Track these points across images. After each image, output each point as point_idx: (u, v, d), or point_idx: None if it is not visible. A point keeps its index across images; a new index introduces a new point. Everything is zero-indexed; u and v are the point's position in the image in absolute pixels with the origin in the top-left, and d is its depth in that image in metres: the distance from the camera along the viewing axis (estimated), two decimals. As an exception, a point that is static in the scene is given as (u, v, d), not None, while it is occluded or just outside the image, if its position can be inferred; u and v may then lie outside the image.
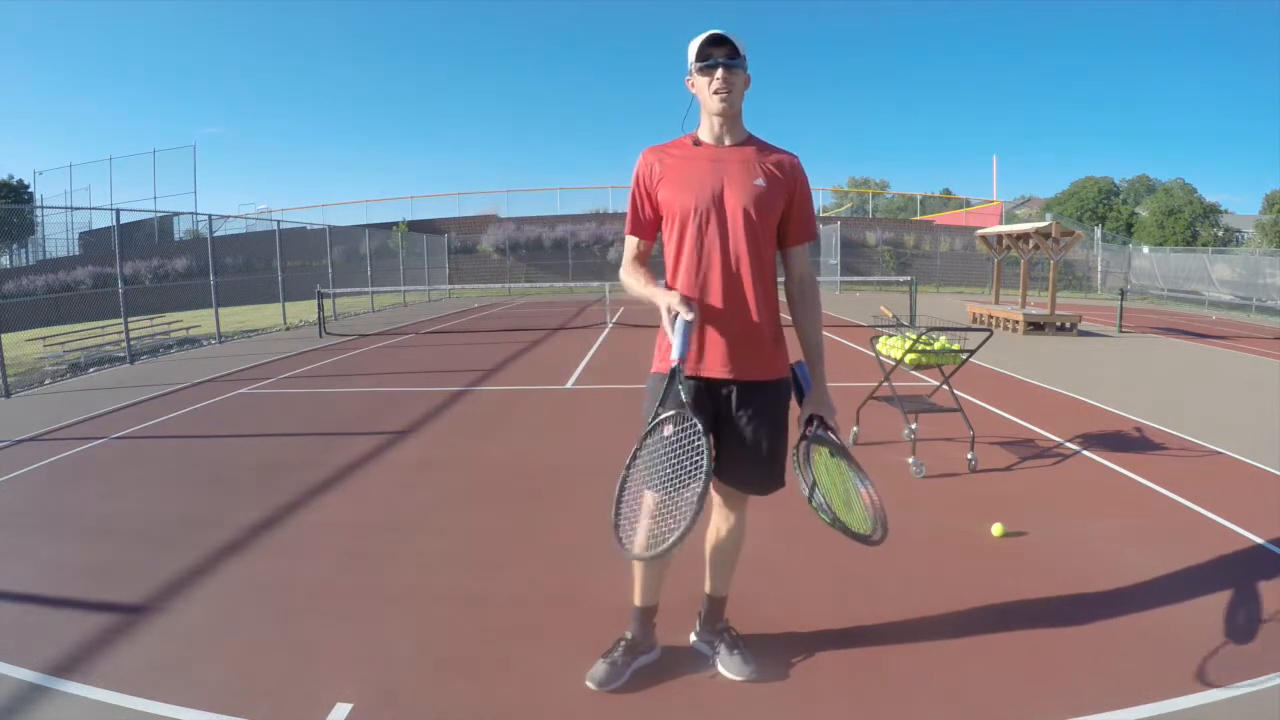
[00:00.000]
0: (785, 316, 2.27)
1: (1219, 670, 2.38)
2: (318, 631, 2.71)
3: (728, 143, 2.19)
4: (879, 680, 2.37)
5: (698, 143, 2.20)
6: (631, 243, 2.28)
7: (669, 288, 2.18)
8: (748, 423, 2.19)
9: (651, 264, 2.31)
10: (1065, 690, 2.30)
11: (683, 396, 1.98)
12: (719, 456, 2.25)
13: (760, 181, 2.13)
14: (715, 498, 2.39)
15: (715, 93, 2.10)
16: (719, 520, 2.41)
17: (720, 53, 2.09)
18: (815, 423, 2.18)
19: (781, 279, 2.32)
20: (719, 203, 2.13)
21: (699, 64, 2.11)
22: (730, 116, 2.15)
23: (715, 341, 2.15)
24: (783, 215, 2.20)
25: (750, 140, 2.22)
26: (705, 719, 2.23)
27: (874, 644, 2.58)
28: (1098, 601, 2.86)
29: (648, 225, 2.25)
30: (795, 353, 2.32)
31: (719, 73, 2.09)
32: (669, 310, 2.04)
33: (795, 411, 2.28)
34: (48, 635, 2.70)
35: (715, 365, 2.16)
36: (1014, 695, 2.28)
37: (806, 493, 1.98)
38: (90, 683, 2.39)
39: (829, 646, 2.56)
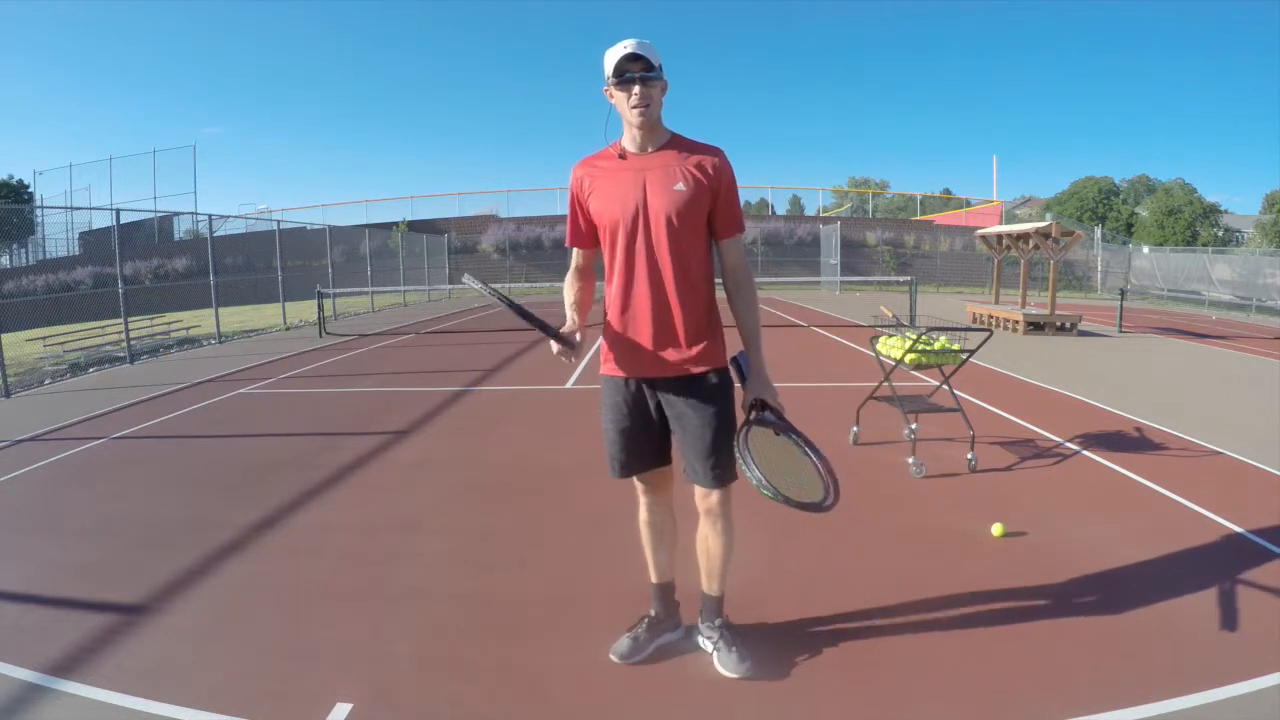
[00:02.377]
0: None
1: (1219, 670, 2.38)
2: (318, 631, 2.71)
3: (650, 150, 2.27)
4: (878, 680, 2.37)
5: (623, 155, 2.28)
6: (574, 254, 2.42)
7: (606, 292, 2.35)
8: (687, 415, 2.29)
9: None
10: (1065, 690, 2.30)
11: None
12: (680, 453, 2.37)
13: (680, 186, 2.21)
14: (697, 500, 2.41)
15: (634, 108, 2.18)
16: (705, 522, 2.42)
17: (636, 68, 2.15)
18: (757, 406, 2.26)
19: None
20: (643, 212, 2.22)
21: (615, 79, 2.18)
22: (649, 125, 2.23)
23: (646, 342, 2.27)
24: (710, 212, 2.28)
25: (672, 143, 2.28)
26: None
27: (873, 644, 2.58)
28: (1098, 601, 2.86)
29: (585, 236, 2.36)
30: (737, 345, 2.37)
31: (636, 89, 2.16)
32: (558, 353, 2.24)
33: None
34: (48, 635, 2.70)
35: (648, 365, 2.29)
36: (1014, 695, 2.28)
37: (746, 473, 2.04)
38: (90, 683, 2.39)
39: (828, 646, 2.56)
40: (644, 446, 2.37)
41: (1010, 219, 34.75)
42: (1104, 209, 40.58)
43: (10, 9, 65.70)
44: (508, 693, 2.33)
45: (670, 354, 2.27)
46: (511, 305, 2.17)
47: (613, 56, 2.16)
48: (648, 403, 2.34)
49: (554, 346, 2.24)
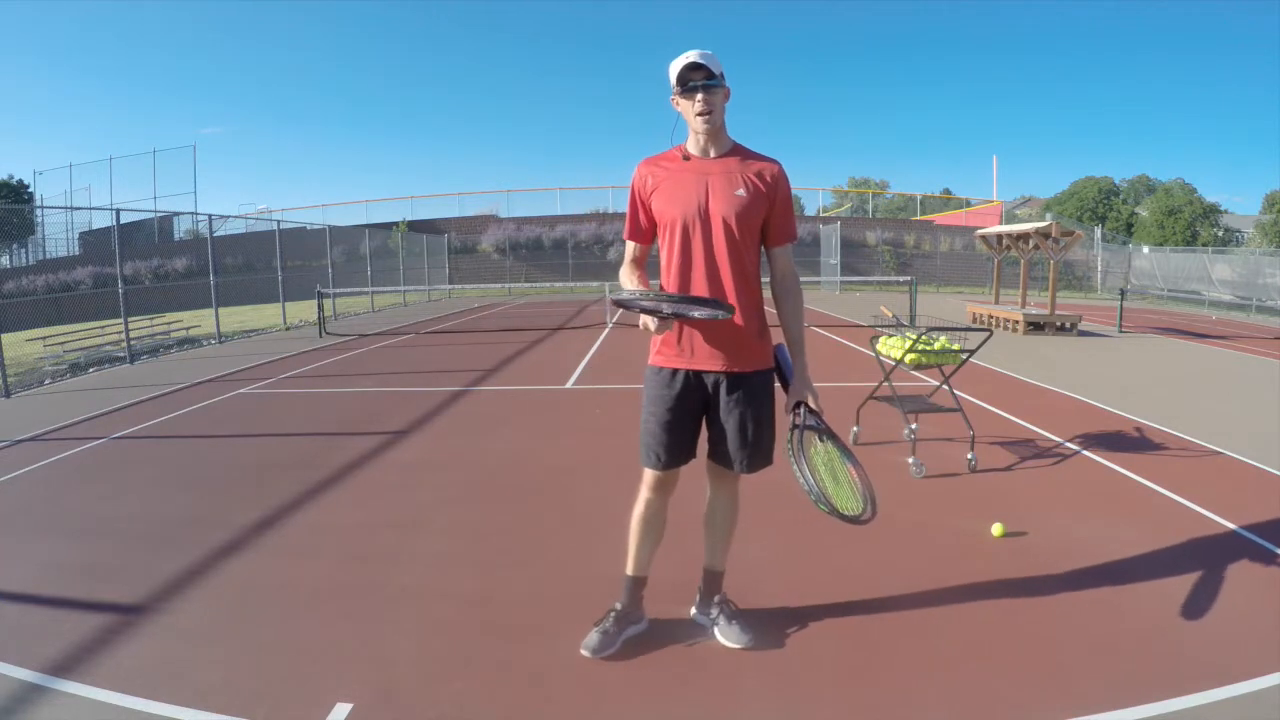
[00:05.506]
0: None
1: (1219, 670, 2.38)
2: (318, 631, 2.72)
3: (713, 155, 2.37)
4: (878, 680, 2.37)
5: (687, 157, 2.39)
6: (630, 246, 2.50)
7: (662, 288, 2.38)
8: (734, 408, 2.39)
9: (651, 262, 2.49)
10: (1065, 690, 2.30)
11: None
12: (711, 440, 2.47)
13: (741, 192, 2.32)
14: (709, 476, 2.56)
15: (699, 114, 2.29)
16: (713, 497, 2.58)
17: (699, 77, 2.27)
18: (802, 408, 2.35)
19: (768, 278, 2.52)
20: (704, 213, 2.32)
21: (680, 88, 2.29)
22: (713, 132, 2.33)
23: (703, 337, 2.36)
24: (765, 219, 2.37)
25: (734, 150, 2.40)
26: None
27: (873, 643, 2.58)
28: (1098, 601, 2.86)
29: (644, 232, 2.46)
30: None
31: (700, 95, 2.27)
32: (644, 326, 2.25)
33: (781, 397, 2.43)
34: (48, 635, 2.70)
35: (703, 359, 2.38)
36: (1014, 695, 2.28)
37: (803, 485, 2.13)
38: (90, 683, 2.39)
39: (828, 646, 2.56)
40: (682, 439, 2.42)
41: (1010, 219, 34.75)
42: (1104, 209, 40.58)
43: (10, 9, 65.74)
44: (508, 692, 2.33)
45: (725, 350, 2.35)
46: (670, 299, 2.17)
47: (676, 67, 2.27)
48: (694, 395, 2.40)
49: (654, 324, 2.23)
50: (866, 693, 2.31)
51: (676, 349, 2.38)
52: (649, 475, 2.46)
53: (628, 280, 2.41)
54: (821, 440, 2.31)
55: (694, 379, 2.39)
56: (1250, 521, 3.65)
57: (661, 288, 2.39)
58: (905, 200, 41.03)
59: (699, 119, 2.29)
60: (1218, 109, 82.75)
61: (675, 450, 2.41)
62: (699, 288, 2.33)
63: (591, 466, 4.70)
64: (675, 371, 2.39)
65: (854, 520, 2.12)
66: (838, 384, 7.53)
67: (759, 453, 2.43)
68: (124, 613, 2.86)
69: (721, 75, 2.28)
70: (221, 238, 23.25)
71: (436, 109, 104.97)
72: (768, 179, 2.35)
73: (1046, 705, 2.22)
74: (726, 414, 2.38)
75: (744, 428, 2.38)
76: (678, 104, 2.34)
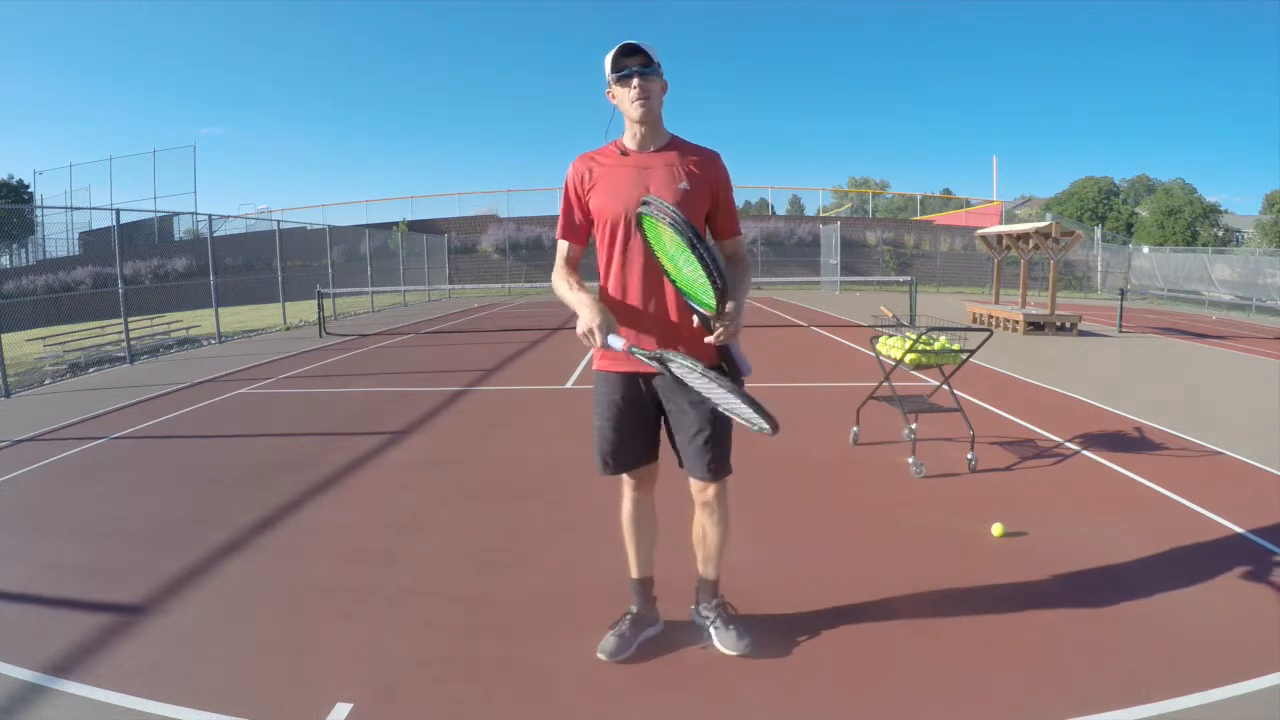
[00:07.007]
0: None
1: (1219, 670, 2.38)
2: (318, 631, 2.71)
3: (652, 148, 2.31)
4: (878, 680, 2.37)
5: (625, 152, 2.32)
6: (563, 246, 2.40)
7: (601, 288, 2.31)
8: (685, 412, 2.32)
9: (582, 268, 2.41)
10: (1065, 690, 2.29)
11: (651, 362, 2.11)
12: (674, 447, 2.41)
13: (684, 185, 2.26)
14: (692, 492, 2.48)
15: (634, 101, 2.21)
16: (703, 513, 2.50)
17: (634, 63, 2.19)
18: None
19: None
20: None
21: (615, 75, 2.22)
22: (651, 122, 2.27)
23: (644, 335, 2.30)
24: (710, 212, 2.35)
25: (673, 144, 2.34)
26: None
27: (873, 643, 2.58)
28: (1098, 602, 2.86)
29: (580, 230, 2.37)
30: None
31: (635, 81, 2.20)
32: (589, 334, 2.13)
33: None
34: (48, 635, 2.70)
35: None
36: (1014, 695, 2.28)
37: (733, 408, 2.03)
38: (90, 683, 2.39)
39: (828, 645, 2.56)
40: (638, 444, 2.40)
41: (1010, 219, 34.75)
42: (1104, 209, 40.61)
43: (10, 9, 65.78)
44: (508, 692, 2.33)
45: (671, 348, 2.24)
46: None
47: (610, 55, 2.21)
48: (645, 399, 2.36)
49: (610, 342, 2.13)
50: (866, 692, 2.30)
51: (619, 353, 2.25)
52: (625, 475, 2.46)
53: (564, 288, 2.29)
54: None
55: (640, 382, 2.34)
56: (1250, 522, 3.64)
57: (601, 289, 2.34)
58: (905, 200, 41.05)
59: (635, 106, 2.20)
60: (1218, 109, 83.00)
61: (627, 454, 2.39)
62: (638, 286, 2.27)
63: (591, 467, 4.68)
64: (620, 375, 2.34)
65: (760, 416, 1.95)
66: (838, 384, 7.54)
67: (717, 456, 2.33)
68: (124, 613, 2.86)
69: (658, 65, 2.21)
70: (221, 238, 23.28)
71: (437, 109, 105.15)
72: (709, 170, 2.30)
73: (1046, 705, 2.22)
74: (680, 418, 2.33)
75: (700, 431, 2.30)
76: (613, 96, 2.26)
